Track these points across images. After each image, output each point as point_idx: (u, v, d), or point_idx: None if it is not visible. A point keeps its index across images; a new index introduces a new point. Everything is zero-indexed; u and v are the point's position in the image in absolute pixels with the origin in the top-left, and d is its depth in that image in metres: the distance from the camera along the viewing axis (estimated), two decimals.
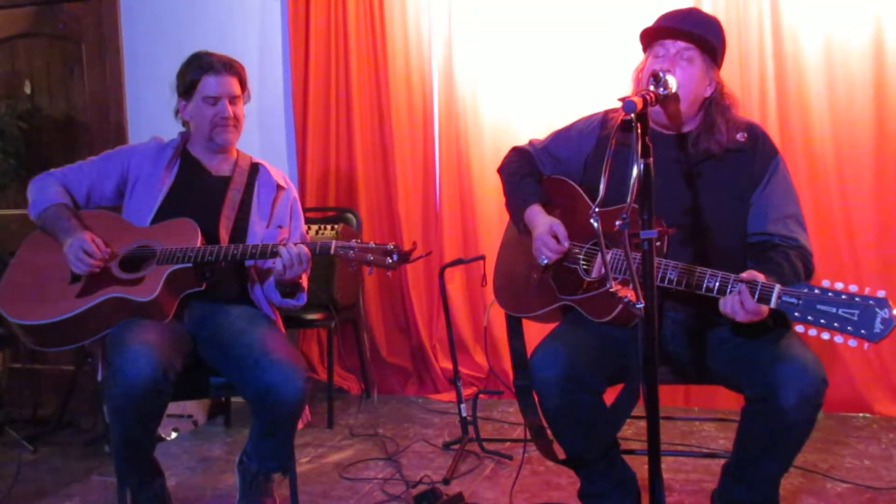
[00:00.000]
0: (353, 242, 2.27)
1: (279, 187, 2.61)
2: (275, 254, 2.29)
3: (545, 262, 2.21)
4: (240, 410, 3.65)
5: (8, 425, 3.52)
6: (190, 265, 2.32)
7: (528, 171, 2.38)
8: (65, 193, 2.51)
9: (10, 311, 2.35)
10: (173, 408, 3.45)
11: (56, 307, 2.31)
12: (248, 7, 4.19)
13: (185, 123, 2.62)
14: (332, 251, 2.27)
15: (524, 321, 2.43)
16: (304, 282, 2.49)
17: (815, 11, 3.40)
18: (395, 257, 2.23)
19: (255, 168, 2.63)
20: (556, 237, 2.19)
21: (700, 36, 2.08)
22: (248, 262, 2.46)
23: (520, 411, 2.31)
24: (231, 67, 2.51)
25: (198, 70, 2.49)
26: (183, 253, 2.32)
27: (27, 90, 4.42)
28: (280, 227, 2.57)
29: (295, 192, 2.68)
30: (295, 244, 2.29)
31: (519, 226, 2.35)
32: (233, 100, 2.51)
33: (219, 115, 2.49)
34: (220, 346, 2.33)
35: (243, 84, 2.56)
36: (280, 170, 2.71)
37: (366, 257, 2.25)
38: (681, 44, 2.09)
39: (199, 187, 2.54)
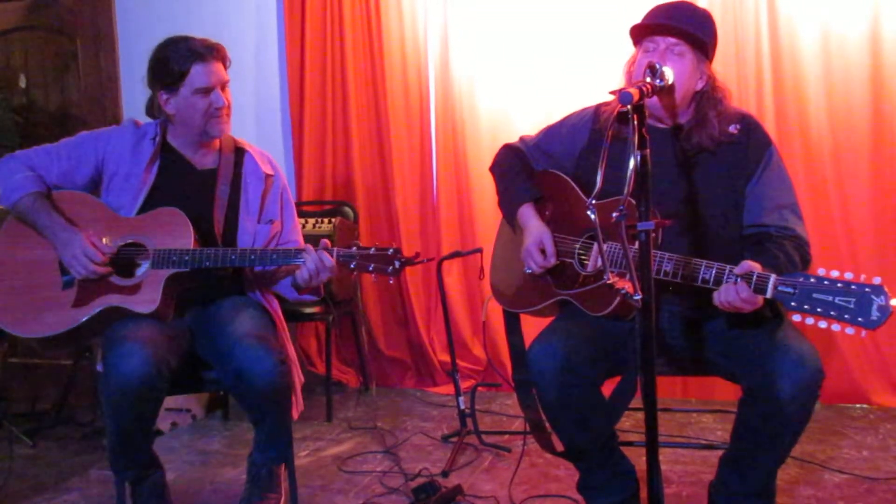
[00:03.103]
0: (354, 250, 2.22)
1: (267, 177, 2.50)
2: (298, 254, 2.24)
3: (529, 272, 2.23)
4: (238, 404, 3.64)
5: (6, 420, 3.51)
6: (187, 269, 2.26)
7: (519, 169, 2.38)
8: (37, 179, 2.33)
9: (5, 321, 2.29)
10: (171, 402, 3.45)
11: (55, 319, 2.26)
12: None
13: (152, 115, 2.46)
14: (334, 260, 2.23)
15: (522, 317, 2.42)
16: None
17: (811, 2, 3.39)
18: (396, 264, 2.20)
19: (239, 154, 2.49)
20: (543, 251, 2.20)
21: (690, 33, 2.06)
22: (258, 268, 2.40)
23: (519, 406, 2.31)
24: (217, 52, 2.36)
25: (183, 59, 2.31)
26: (179, 256, 2.24)
27: (22, 84, 4.41)
28: (272, 221, 2.47)
29: (284, 179, 2.55)
30: (316, 249, 2.21)
31: (512, 224, 2.35)
32: (223, 86, 2.37)
33: (213, 107, 2.34)
34: (211, 339, 2.30)
35: (226, 66, 2.42)
36: (266, 152, 2.58)
37: (367, 267, 2.21)
38: (671, 39, 2.08)
39: (184, 185, 2.40)
